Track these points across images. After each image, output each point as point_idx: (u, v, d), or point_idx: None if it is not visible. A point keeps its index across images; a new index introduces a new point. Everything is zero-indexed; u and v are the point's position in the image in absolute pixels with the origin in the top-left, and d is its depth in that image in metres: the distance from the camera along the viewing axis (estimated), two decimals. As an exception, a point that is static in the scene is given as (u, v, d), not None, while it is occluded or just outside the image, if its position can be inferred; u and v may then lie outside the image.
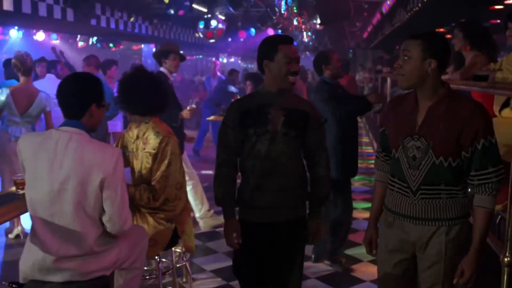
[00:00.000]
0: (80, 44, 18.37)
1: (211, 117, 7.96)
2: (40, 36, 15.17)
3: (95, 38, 16.62)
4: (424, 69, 2.27)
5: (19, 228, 5.24)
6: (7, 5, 7.55)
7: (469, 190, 2.38)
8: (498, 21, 8.40)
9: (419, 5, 7.35)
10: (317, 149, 2.81)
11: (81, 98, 2.47)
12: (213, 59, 25.20)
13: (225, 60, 28.91)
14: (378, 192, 2.66)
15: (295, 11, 10.96)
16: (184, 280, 3.89)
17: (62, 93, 2.48)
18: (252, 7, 9.57)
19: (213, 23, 8.99)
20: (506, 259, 2.65)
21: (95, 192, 2.35)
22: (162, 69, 4.84)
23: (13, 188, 2.84)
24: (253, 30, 14.51)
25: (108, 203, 2.39)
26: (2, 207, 2.51)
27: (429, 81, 2.30)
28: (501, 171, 2.29)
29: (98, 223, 2.44)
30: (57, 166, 2.34)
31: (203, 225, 5.36)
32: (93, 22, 10.08)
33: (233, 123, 2.73)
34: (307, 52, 25.98)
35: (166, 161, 3.02)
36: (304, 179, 2.84)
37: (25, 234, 5.25)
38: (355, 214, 5.01)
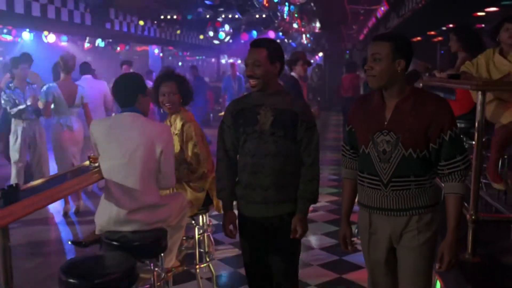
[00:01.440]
0: (87, 45, 19.12)
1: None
2: (51, 38, 15.88)
3: (99, 40, 17.39)
4: (394, 69, 2.38)
5: (69, 206, 6.07)
6: (36, 12, 8.30)
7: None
8: (483, 25, 9.18)
9: (410, 11, 8.10)
10: (307, 150, 2.84)
11: (130, 91, 3.22)
12: (213, 59, 25.99)
13: (223, 61, 29.61)
14: (347, 189, 2.73)
15: (296, 15, 11.71)
16: (207, 250, 4.57)
17: (117, 89, 3.22)
18: (256, 11, 10.31)
19: (226, 27, 9.71)
20: (471, 217, 3.26)
21: (156, 158, 3.09)
22: (293, 73, 5.70)
23: (87, 162, 3.58)
24: (255, 33, 15.26)
25: (164, 165, 3.13)
26: (82, 176, 3.23)
27: (398, 80, 2.41)
28: (467, 158, 2.42)
29: (156, 183, 3.17)
30: (126, 141, 3.07)
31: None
32: (108, 25, 10.83)
33: (228, 122, 2.91)
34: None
35: (193, 142, 3.73)
36: (296, 177, 2.86)
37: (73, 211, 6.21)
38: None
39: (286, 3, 9.64)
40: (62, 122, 5.94)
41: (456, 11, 7.50)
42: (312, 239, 5.30)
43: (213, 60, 31.02)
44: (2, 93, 6.13)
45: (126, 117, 3.14)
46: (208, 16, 11.95)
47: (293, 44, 18.35)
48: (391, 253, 2.55)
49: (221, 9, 9.17)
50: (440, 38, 11.93)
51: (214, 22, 10.53)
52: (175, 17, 12.58)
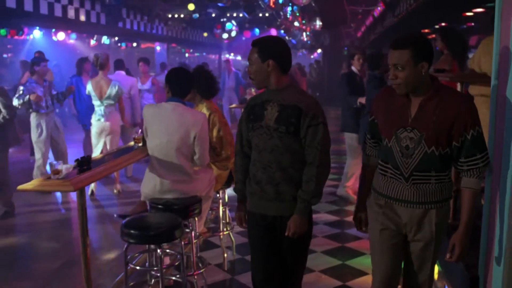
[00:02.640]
0: (93, 42, 19.77)
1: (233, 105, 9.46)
2: (60, 36, 16.50)
3: (105, 38, 18.02)
4: (418, 72, 2.38)
5: (93, 185, 6.78)
6: (58, 12, 8.95)
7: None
8: (472, 24, 9.83)
9: (405, 11, 8.73)
10: (310, 147, 2.77)
11: (185, 84, 3.85)
12: (213, 56, 26.59)
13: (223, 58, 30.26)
14: (367, 176, 2.78)
15: (297, 14, 12.35)
16: (228, 221, 5.22)
17: (174, 80, 3.83)
18: (261, 11, 10.95)
19: (228, 25, 10.34)
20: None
21: (190, 142, 3.74)
22: (352, 67, 6.42)
23: (132, 143, 4.23)
24: (257, 30, 15.90)
25: (198, 148, 3.78)
26: (129, 153, 3.88)
27: (423, 81, 2.42)
28: (487, 157, 2.45)
29: (190, 161, 3.82)
30: (167, 125, 3.72)
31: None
32: (120, 24, 11.48)
33: (243, 117, 2.98)
34: (303, 50, 27.43)
35: (216, 128, 4.37)
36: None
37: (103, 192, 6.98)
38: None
39: (290, 4, 10.27)
40: (96, 113, 6.66)
41: (447, 11, 8.13)
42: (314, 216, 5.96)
43: (212, 56, 31.65)
44: (20, 86, 6.77)
45: (169, 105, 3.77)
46: (214, 15, 12.58)
47: (293, 41, 18.99)
48: (401, 241, 2.62)
49: (221, 5, 9.78)
50: (433, 36, 12.53)
51: (222, 20, 11.15)
52: (182, 16, 13.23)
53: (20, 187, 2.90)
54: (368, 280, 3.96)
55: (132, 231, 3.19)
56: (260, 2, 8.55)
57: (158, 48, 20.35)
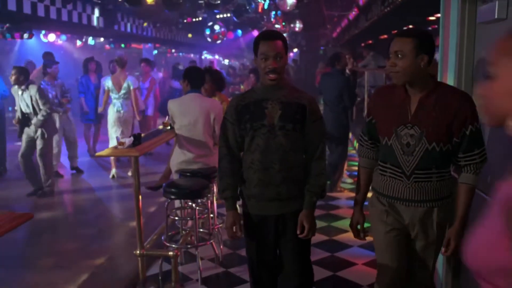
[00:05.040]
0: (79, 43, 20.53)
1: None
2: (51, 37, 17.25)
3: (90, 39, 18.82)
4: (417, 64, 2.35)
5: (114, 170, 7.76)
6: (65, 17, 9.83)
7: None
8: (436, 26, 10.99)
9: (376, 15, 9.84)
10: (315, 143, 2.78)
11: (200, 79, 4.87)
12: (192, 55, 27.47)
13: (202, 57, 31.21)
14: (364, 178, 2.76)
15: (279, 16, 13.40)
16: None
17: (192, 76, 4.84)
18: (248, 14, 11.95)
19: (216, 27, 11.34)
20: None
21: (211, 122, 4.73)
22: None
23: (161, 126, 5.22)
24: (239, 32, 16.88)
25: (217, 127, 4.78)
26: (162, 134, 4.87)
27: (421, 75, 2.39)
28: (484, 152, 2.44)
29: (212, 137, 4.81)
30: (190, 112, 4.71)
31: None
32: (116, 27, 12.38)
33: (232, 118, 2.82)
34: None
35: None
36: (306, 171, 2.82)
37: (118, 175, 7.97)
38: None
39: (275, 9, 11.29)
40: (115, 106, 7.67)
41: (413, 16, 9.26)
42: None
43: (191, 55, 32.52)
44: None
45: (190, 96, 4.77)
46: (200, 18, 13.56)
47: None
48: (406, 239, 2.62)
49: (218, 12, 10.78)
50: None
51: (209, 22, 12.13)
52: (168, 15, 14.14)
53: (97, 154, 3.89)
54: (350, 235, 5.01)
55: (173, 190, 4.18)
56: (248, 8, 9.56)
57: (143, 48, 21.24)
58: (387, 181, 2.59)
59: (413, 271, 2.68)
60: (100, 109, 8.48)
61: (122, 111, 7.76)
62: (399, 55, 2.37)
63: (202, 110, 4.69)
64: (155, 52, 20.43)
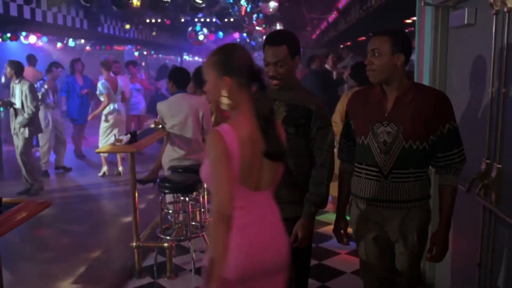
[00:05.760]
0: (59, 45, 20.55)
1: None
2: (32, 39, 17.27)
3: (71, 40, 18.90)
4: (393, 63, 2.37)
5: (105, 167, 7.96)
6: (50, 19, 9.97)
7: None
8: (412, 29, 11.38)
9: (355, 18, 10.19)
10: (320, 149, 2.67)
11: (186, 80, 5.11)
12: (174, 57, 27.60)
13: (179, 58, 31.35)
14: (345, 184, 2.71)
15: (260, 18, 13.68)
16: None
17: (176, 77, 5.08)
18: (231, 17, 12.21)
19: (205, 31, 11.58)
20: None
21: (200, 118, 4.97)
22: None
23: (152, 125, 5.45)
24: (221, 34, 17.11)
25: (205, 124, 5.01)
26: (152, 134, 5.09)
27: (398, 74, 2.41)
28: (463, 152, 2.44)
29: (201, 135, 5.05)
30: (180, 111, 4.94)
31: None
32: (99, 29, 12.53)
33: None
34: (260, 51, 28.82)
35: (214, 115, 5.61)
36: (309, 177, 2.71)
37: (110, 173, 8.16)
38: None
39: (257, 12, 11.57)
40: (114, 107, 7.89)
41: (390, 19, 9.61)
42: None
43: (172, 57, 32.61)
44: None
45: (177, 96, 4.99)
46: (182, 20, 13.77)
47: (253, 43, 20.29)
48: (386, 242, 2.59)
49: (201, 15, 11.01)
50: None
51: (191, 25, 12.36)
52: (153, 20, 14.36)
53: (97, 150, 4.11)
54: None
55: (167, 184, 4.42)
56: (231, 11, 9.81)
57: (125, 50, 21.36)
58: (363, 182, 2.56)
59: (397, 273, 2.63)
60: (95, 114, 8.45)
61: (120, 113, 8.01)
62: (376, 54, 2.40)
63: (191, 108, 4.93)
64: (137, 53, 20.54)
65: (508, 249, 2.67)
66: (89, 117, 8.56)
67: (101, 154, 7.86)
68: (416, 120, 2.39)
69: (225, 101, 2.05)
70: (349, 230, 2.79)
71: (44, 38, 18.14)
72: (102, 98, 7.91)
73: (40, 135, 8.03)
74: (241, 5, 10.16)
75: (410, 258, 2.57)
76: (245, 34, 16.02)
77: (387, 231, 2.56)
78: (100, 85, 7.91)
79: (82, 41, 19.23)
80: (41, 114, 7.87)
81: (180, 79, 5.06)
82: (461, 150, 2.45)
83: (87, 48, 20.83)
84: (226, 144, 1.91)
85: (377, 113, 2.48)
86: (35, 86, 7.65)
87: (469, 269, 3.03)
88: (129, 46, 20.10)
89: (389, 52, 2.37)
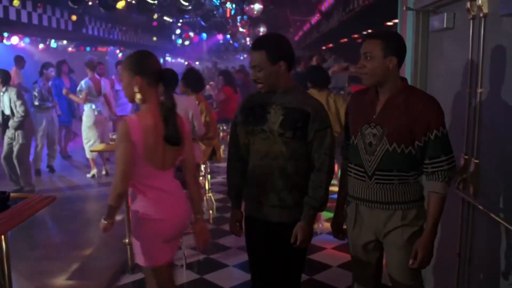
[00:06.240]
0: (41, 46, 20.47)
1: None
2: (14, 40, 17.18)
3: (53, 41, 18.85)
4: (386, 66, 2.36)
5: (95, 170, 8.05)
6: (35, 20, 10.00)
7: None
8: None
9: (337, 20, 10.40)
10: (318, 153, 2.61)
11: (175, 80, 5.22)
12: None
13: (162, 60, 31.39)
14: (345, 180, 2.70)
15: (244, 21, 13.83)
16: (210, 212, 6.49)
17: (168, 77, 5.20)
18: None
19: (191, 34, 11.70)
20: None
21: (190, 119, 5.09)
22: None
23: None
24: (204, 35, 17.23)
25: (196, 123, 5.14)
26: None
27: (391, 77, 2.39)
28: (452, 159, 2.39)
29: (190, 134, 5.17)
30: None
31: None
32: (84, 30, 12.57)
33: (239, 118, 2.78)
34: (243, 53, 28.98)
35: (204, 114, 5.72)
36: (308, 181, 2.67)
37: (99, 174, 8.24)
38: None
39: (242, 14, 11.73)
40: (95, 107, 7.98)
41: (371, 21, 9.84)
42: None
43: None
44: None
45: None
46: (167, 20, 13.85)
47: (236, 44, 20.46)
48: (375, 245, 2.59)
49: (187, 16, 11.13)
50: (361, 40, 14.37)
51: (176, 27, 12.46)
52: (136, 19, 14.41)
53: (92, 149, 4.22)
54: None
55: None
56: (215, 13, 9.95)
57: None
58: (352, 181, 2.59)
59: (392, 279, 2.61)
60: (70, 95, 8.42)
61: (101, 113, 8.10)
62: (368, 57, 2.39)
63: (180, 108, 5.02)
64: (120, 54, 20.54)
65: (486, 239, 2.85)
66: (64, 91, 8.52)
67: (89, 157, 8.00)
68: (400, 124, 2.38)
69: (137, 96, 2.54)
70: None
71: (27, 39, 18.14)
72: (80, 96, 8.06)
73: (35, 135, 8.17)
74: (226, 7, 10.32)
75: (400, 257, 2.50)
76: (228, 36, 16.15)
77: (373, 230, 2.55)
78: (82, 83, 8.06)
79: (65, 42, 19.25)
80: (37, 115, 8.08)
81: (170, 79, 5.16)
82: (450, 157, 2.39)
83: (69, 49, 20.86)
84: (129, 131, 2.45)
85: (366, 115, 2.50)
86: (37, 88, 7.87)
87: (450, 259, 3.21)
88: (112, 48, 20.11)
89: (380, 55, 2.36)
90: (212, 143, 5.88)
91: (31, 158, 8.15)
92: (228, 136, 2.93)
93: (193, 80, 5.77)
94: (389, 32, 2.53)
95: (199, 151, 5.48)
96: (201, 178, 6.19)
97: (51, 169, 8.63)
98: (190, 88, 5.81)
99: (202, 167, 6.02)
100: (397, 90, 2.42)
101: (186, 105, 5.05)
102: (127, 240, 4.49)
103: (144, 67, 2.59)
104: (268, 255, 2.80)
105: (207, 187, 6.28)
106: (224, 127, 8.99)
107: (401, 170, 2.42)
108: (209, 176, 6.26)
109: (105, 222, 2.58)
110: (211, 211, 6.02)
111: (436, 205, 2.38)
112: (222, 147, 6.98)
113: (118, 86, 9.82)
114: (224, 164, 3.83)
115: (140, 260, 2.71)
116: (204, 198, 6.10)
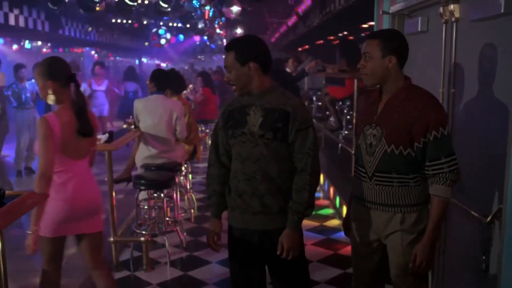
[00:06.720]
0: (15, 47, 20.26)
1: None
2: (-12, 41, 17.01)
3: (27, 42, 18.70)
4: (385, 65, 2.34)
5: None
6: (12, 21, 9.95)
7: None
8: (368, 33, 11.88)
9: (314, 23, 10.57)
10: (301, 153, 2.49)
11: (164, 82, 5.31)
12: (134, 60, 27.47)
13: (137, 61, 31.26)
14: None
15: (221, 23, 13.96)
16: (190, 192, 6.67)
17: (157, 78, 5.28)
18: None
19: (168, 36, 11.76)
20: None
21: (173, 121, 5.19)
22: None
23: (125, 126, 5.62)
24: (181, 36, 17.27)
25: (179, 126, 5.23)
26: (125, 135, 5.26)
27: (391, 76, 2.37)
28: (454, 162, 2.29)
29: (174, 135, 5.27)
30: (154, 111, 5.16)
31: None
32: (60, 31, 12.52)
33: (220, 124, 2.70)
34: (219, 54, 29.08)
35: (187, 116, 5.83)
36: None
37: None
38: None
39: (220, 16, 11.84)
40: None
41: (347, 23, 10.06)
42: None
43: (129, 60, 32.46)
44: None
45: (155, 96, 5.21)
46: (145, 22, 13.89)
47: (213, 46, 20.54)
48: (378, 245, 2.55)
49: (166, 18, 11.19)
50: (337, 42, 14.62)
51: (154, 30, 12.51)
52: (113, 20, 14.41)
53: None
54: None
55: (142, 181, 4.63)
56: (193, 14, 10.03)
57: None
58: (356, 181, 2.58)
59: (393, 281, 2.58)
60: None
61: None
62: (367, 57, 2.38)
63: (165, 109, 5.15)
64: (96, 55, 20.46)
65: (459, 231, 3.02)
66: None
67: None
68: (399, 125, 2.34)
69: (51, 98, 2.94)
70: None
71: (0, 40, 17.95)
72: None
73: (17, 135, 8.22)
74: (205, 9, 10.42)
75: (399, 262, 2.48)
76: (205, 37, 16.24)
77: (374, 231, 2.53)
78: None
79: (39, 43, 19.10)
80: (18, 116, 8.14)
81: (162, 81, 5.26)
82: (452, 160, 2.30)
83: (44, 50, 20.70)
84: (50, 126, 2.85)
85: (369, 115, 2.48)
86: (15, 90, 7.91)
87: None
88: (87, 48, 20.01)
89: (379, 55, 2.34)
90: (194, 142, 5.98)
91: (11, 159, 8.17)
92: (207, 137, 3.06)
93: (174, 81, 5.87)
94: (389, 31, 2.57)
95: (183, 152, 5.58)
96: (182, 178, 6.31)
97: (30, 170, 8.60)
98: (171, 89, 5.91)
99: (183, 167, 6.10)
100: (398, 90, 2.40)
101: (171, 107, 5.15)
102: (111, 239, 4.56)
103: (55, 72, 2.97)
104: (254, 267, 2.69)
105: (188, 187, 6.37)
106: (203, 128, 9.08)
107: (400, 173, 2.38)
108: (190, 175, 6.34)
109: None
110: (192, 210, 6.11)
111: (437, 209, 2.32)
112: (201, 147, 7.07)
113: (95, 86, 9.84)
114: (204, 164, 3.93)
115: (41, 230, 3.09)
116: (186, 197, 6.19)
